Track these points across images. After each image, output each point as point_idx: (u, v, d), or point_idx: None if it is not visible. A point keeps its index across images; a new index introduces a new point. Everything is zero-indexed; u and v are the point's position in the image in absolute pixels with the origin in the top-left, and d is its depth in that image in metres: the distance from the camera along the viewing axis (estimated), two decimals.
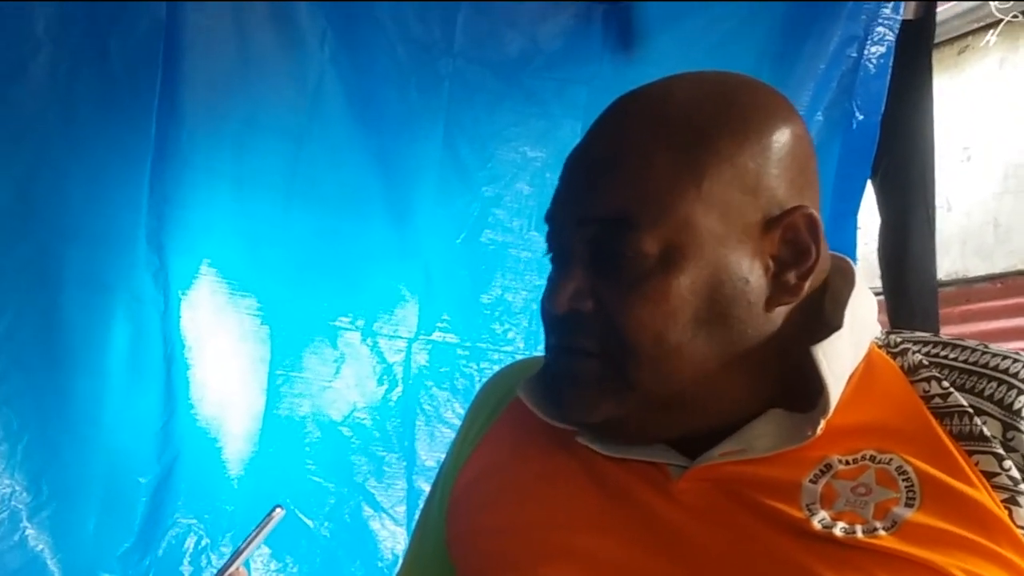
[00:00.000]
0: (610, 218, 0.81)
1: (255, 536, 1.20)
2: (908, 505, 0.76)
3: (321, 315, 2.13)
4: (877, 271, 2.60)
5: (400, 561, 1.10)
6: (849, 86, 2.24)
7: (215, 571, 1.22)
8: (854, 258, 2.30)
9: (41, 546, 1.93)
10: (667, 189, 0.80)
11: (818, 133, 2.20)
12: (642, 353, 0.81)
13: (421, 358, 2.17)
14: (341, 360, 2.13)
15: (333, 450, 2.13)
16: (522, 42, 2.19)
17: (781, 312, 0.83)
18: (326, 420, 2.12)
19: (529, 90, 2.20)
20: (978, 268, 4.05)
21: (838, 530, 0.76)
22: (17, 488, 1.92)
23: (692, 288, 0.80)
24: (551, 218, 0.87)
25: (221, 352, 2.07)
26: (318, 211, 2.11)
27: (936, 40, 2.67)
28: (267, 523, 1.20)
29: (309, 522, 2.09)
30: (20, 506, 1.92)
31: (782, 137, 0.83)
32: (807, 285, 0.83)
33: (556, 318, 0.85)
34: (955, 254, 4.04)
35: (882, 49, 2.24)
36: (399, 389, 2.16)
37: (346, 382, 2.13)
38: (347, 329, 2.14)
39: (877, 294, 1.68)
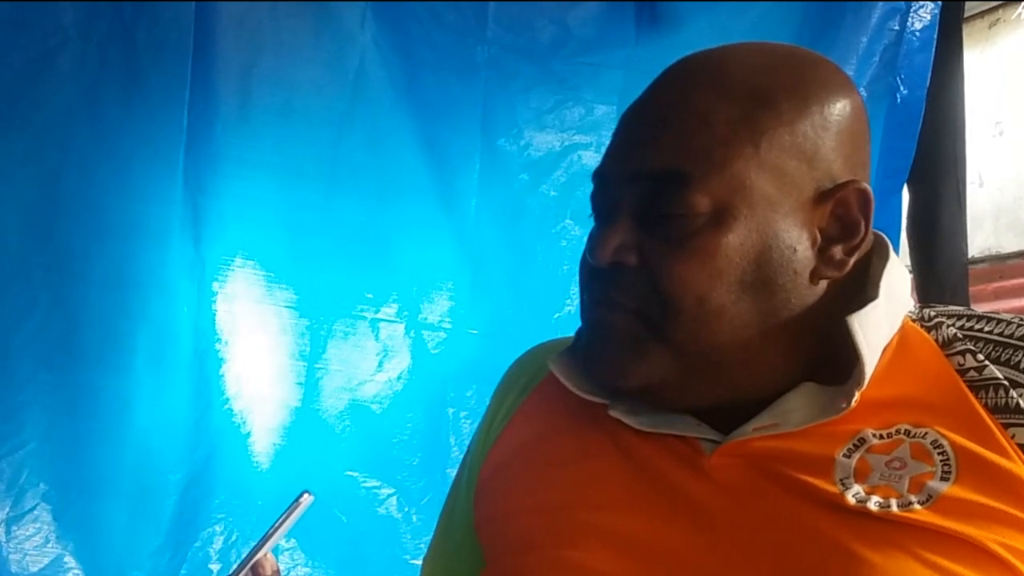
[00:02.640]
0: (663, 173, 0.81)
1: (283, 522, 1.19)
2: (944, 479, 0.76)
3: (360, 306, 2.09)
4: (904, 247, 2.57)
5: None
6: (892, 60, 2.19)
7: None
8: (898, 235, 2.28)
9: (69, 545, 1.92)
10: (723, 146, 0.80)
11: None
12: (683, 312, 0.80)
13: (459, 350, 2.14)
14: (384, 354, 2.10)
15: (367, 444, 2.10)
16: (553, 28, 2.16)
17: (823, 284, 0.83)
18: (361, 414, 2.09)
19: (562, 76, 2.16)
20: (1011, 244, 4.03)
21: (872, 504, 0.75)
22: (45, 486, 1.90)
23: (740, 250, 0.79)
24: (600, 175, 0.87)
25: (257, 346, 2.04)
26: (360, 199, 2.07)
27: (967, 13, 2.63)
28: (295, 508, 1.19)
29: (342, 516, 2.06)
30: (48, 505, 1.91)
31: (844, 110, 0.83)
32: (852, 261, 0.83)
33: (595, 272, 0.84)
34: (988, 230, 4.01)
35: (925, 21, 2.20)
36: (434, 381, 2.13)
37: (387, 375, 2.10)
38: (390, 321, 2.10)
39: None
